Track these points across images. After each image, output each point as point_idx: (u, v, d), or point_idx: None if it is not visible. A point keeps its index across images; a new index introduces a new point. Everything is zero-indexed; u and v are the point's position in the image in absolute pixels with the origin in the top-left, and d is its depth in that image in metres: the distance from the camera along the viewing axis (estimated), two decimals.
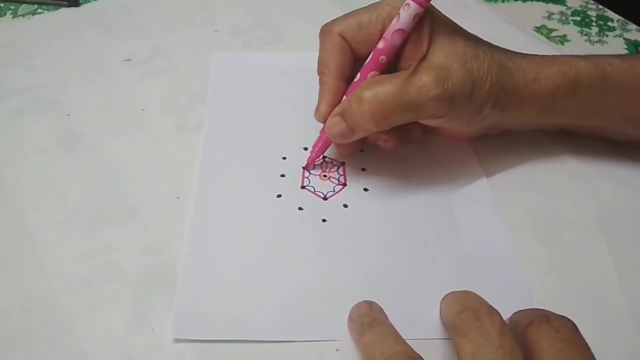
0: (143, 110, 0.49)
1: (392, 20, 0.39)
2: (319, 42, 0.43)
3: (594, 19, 0.62)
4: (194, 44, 0.56)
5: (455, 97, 0.38)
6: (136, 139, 0.47)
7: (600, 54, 0.43)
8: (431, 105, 0.37)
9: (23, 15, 0.60)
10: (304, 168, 0.44)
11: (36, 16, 0.60)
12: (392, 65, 0.40)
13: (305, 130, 0.47)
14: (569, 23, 0.62)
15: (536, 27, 0.61)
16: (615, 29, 0.61)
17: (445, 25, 0.39)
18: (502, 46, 0.41)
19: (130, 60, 0.54)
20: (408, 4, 0.37)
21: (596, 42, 0.59)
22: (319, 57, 0.42)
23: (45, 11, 0.60)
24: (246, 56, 0.55)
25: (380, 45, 0.39)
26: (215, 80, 0.52)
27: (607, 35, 0.60)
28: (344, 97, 0.41)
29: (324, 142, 0.43)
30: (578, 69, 0.41)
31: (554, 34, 0.60)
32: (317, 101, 0.43)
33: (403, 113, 0.38)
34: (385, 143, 0.42)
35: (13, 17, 0.60)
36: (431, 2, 0.38)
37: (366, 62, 0.40)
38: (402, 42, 0.39)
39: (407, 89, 0.37)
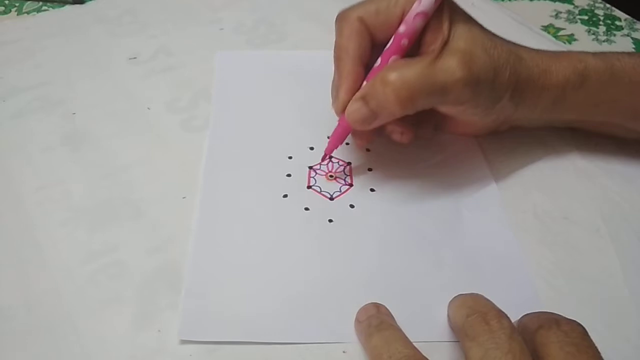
0: (148, 108, 0.49)
1: (411, 6, 0.38)
2: (335, 28, 0.41)
3: (602, 18, 0.62)
4: (199, 42, 0.56)
5: (479, 81, 0.37)
6: (141, 138, 0.46)
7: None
8: (457, 88, 0.37)
9: (28, 13, 0.60)
10: (309, 163, 0.44)
11: (41, 14, 0.59)
12: (412, 51, 0.39)
13: (311, 129, 0.47)
14: (576, 22, 0.61)
15: (543, 26, 0.60)
16: (622, 28, 0.60)
17: (462, 13, 0.39)
18: None
19: (135, 58, 0.53)
20: None
21: (604, 41, 0.59)
22: (336, 43, 0.41)
23: (50, 8, 0.60)
24: (250, 54, 0.55)
25: (402, 29, 0.38)
26: (220, 79, 0.52)
27: (614, 35, 0.60)
28: (364, 83, 0.40)
29: (343, 130, 0.42)
30: (587, 63, 0.41)
31: (561, 32, 0.60)
32: (329, 91, 0.42)
33: (428, 96, 0.37)
34: (401, 136, 0.41)
35: (18, 14, 0.59)
36: None
37: (387, 46, 0.39)
38: (423, 25, 0.38)
39: (433, 72, 0.37)
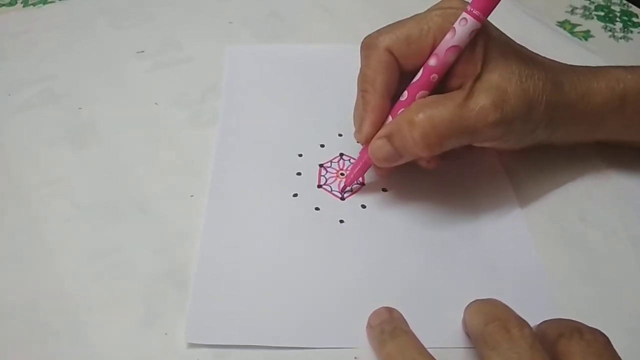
0: (155, 104, 0.48)
1: (442, 34, 0.36)
2: (360, 56, 0.39)
3: (618, 14, 0.61)
4: (207, 36, 0.55)
5: (513, 120, 0.36)
6: (148, 134, 0.45)
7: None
8: (488, 130, 0.35)
9: (34, 5, 0.59)
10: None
11: (47, 5, 0.58)
12: (440, 83, 0.37)
13: (322, 126, 0.46)
14: (592, 18, 0.60)
15: (559, 22, 0.59)
16: (639, 25, 0.59)
17: (498, 42, 0.37)
18: (524, 42, 0.39)
19: (142, 52, 0.52)
20: (465, 19, 0.34)
21: (620, 38, 0.57)
22: (361, 73, 0.39)
23: (57, 0, 0.59)
24: (260, 49, 0.54)
25: (432, 62, 0.36)
26: (229, 74, 0.50)
27: (631, 32, 0.58)
28: (389, 116, 0.38)
29: (363, 164, 0.40)
30: (625, 83, 0.39)
31: (577, 29, 0.58)
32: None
33: (458, 138, 0.36)
34: (427, 164, 0.39)
35: (24, 6, 0.58)
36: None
37: (415, 79, 0.37)
38: (455, 58, 0.36)
39: (463, 114, 0.35)
